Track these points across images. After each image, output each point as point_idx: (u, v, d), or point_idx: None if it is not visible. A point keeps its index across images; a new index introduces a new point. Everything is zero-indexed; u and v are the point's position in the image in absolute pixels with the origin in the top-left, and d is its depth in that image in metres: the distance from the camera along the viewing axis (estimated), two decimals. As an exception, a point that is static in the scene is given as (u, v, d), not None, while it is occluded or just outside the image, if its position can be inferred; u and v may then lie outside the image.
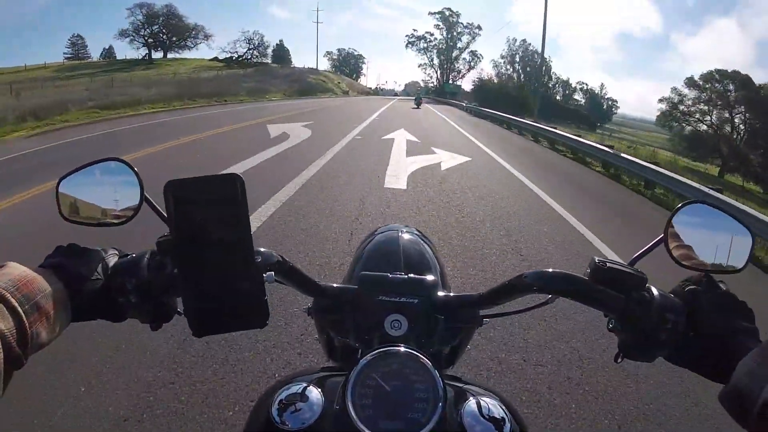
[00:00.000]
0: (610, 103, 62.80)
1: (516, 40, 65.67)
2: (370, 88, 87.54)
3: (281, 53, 67.21)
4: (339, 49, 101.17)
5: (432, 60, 69.87)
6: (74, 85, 26.58)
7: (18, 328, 0.38)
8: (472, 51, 68.49)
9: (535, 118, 20.55)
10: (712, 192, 6.42)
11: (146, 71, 39.98)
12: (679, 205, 0.56)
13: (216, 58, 55.01)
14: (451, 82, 67.05)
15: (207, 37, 55.39)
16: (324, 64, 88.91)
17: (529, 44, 56.89)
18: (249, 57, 56.78)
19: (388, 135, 11.43)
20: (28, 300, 0.39)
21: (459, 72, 69.40)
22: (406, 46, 68.64)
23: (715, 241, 0.57)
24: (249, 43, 57.34)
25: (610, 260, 0.52)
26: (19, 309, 0.38)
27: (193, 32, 55.02)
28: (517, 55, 56.59)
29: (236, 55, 55.33)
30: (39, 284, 0.41)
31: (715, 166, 29.50)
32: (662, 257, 0.57)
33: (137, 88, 22.55)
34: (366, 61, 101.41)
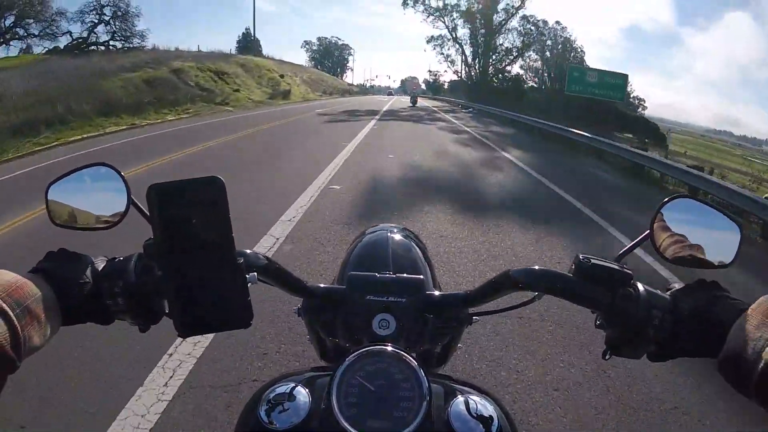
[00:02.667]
0: (636, 102, 42.15)
1: (546, 22, 33.16)
2: (352, 85, 66.61)
3: (247, 44, 51.61)
4: (320, 38, 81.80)
5: (454, 29, 34.98)
6: None
7: (10, 333, 0.38)
8: (525, 17, 33.26)
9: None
10: None
11: None
12: (665, 199, 0.56)
13: (56, 48, 27.89)
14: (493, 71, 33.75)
15: (59, 15, 28.09)
16: (302, 57, 74.74)
17: (563, 27, 32.46)
18: (112, 37, 29.52)
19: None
20: (19, 304, 0.40)
21: (506, 53, 34.40)
22: (404, 2, 34.77)
23: (702, 236, 0.56)
24: (99, 16, 29.06)
25: (595, 257, 0.52)
26: (11, 313, 0.39)
27: (41, 11, 27.51)
28: (548, 42, 32.20)
29: (80, 39, 28.37)
30: (29, 289, 0.42)
31: None
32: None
33: None
34: (353, 52, 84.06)
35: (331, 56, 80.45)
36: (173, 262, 0.44)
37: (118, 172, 0.56)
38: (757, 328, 0.37)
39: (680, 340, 0.48)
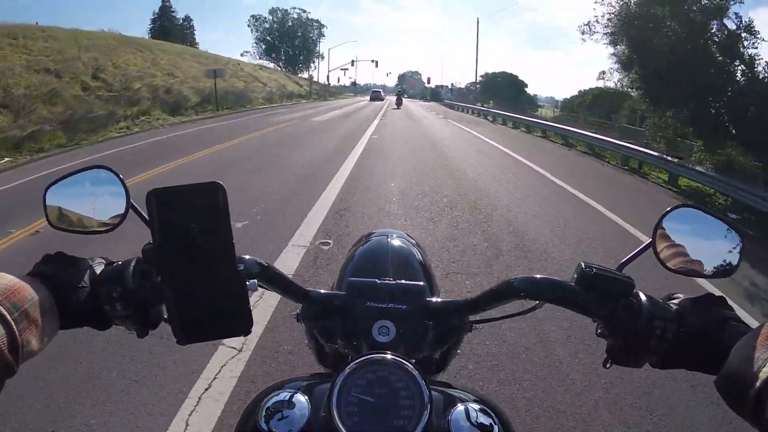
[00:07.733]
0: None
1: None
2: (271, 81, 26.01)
3: (168, 28, 36.51)
4: (273, 10, 52.31)
5: None
6: None
7: (8, 336, 0.38)
8: None
9: None
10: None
11: None
12: (668, 208, 0.56)
13: None
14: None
15: None
16: (247, 42, 44.05)
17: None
18: None
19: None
20: (17, 308, 0.40)
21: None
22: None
23: (704, 245, 0.56)
24: None
25: (597, 265, 0.52)
26: (8, 317, 0.38)
27: None
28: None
29: None
30: (27, 293, 0.42)
31: None
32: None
33: None
34: (325, 30, 54.57)
35: (291, 38, 52.33)
36: (172, 268, 0.44)
37: (118, 176, 0.55)
38: (757, 350, 0.38)
39: (683, 354, 0.48)
